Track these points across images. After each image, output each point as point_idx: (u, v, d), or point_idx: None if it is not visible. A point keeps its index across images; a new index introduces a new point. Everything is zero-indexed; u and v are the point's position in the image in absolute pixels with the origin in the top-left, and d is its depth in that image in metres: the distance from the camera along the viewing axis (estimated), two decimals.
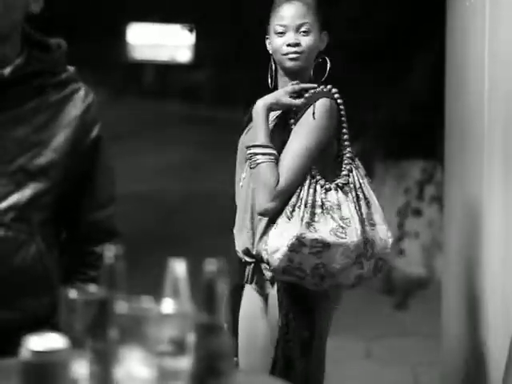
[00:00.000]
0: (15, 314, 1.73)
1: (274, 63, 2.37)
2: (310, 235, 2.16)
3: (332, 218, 2.19)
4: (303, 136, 2.23)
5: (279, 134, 2.28)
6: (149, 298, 1.22)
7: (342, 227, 2.19)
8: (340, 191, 2.24)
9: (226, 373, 1.17)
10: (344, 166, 2.29)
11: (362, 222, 2.22)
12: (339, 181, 2.26)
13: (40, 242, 1.74)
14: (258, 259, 2.31)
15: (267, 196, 2.20)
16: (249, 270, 2.35)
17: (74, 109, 1.79)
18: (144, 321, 1.20)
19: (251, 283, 2.36)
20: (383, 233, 2.27)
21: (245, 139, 2.40)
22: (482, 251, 2.74)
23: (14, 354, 1.16)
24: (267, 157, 2.21)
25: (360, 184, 2.28)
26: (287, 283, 2.24)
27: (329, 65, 2.34)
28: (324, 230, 2.17)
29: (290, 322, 2.22)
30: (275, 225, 2.20)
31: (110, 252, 1.21)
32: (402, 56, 6.00)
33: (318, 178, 2.24)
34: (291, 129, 2.27)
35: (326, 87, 2.31)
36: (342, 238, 2.18)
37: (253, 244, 2.31)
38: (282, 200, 2.21)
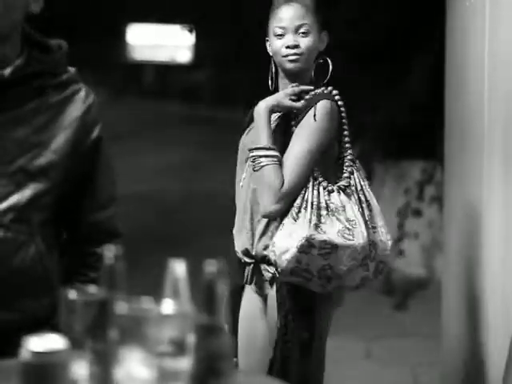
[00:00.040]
0: (15, 315, 1.73)
1: (275, 65, 2.37)
2: (319, 236, 2.16)
3: (338, 219, 2.20)
4: (305, 138, 2.23)
5: (280, 136, 2.28)
6: (149, 298, 1.22)
7: (349, 229, 2.19)
8: (342, 193, 2.24)
9: (226, 373, 1.17)
10: (345, 168, 2.30)
11: (366, 223, 2.23)
12: (341, 183, 2.26)
13: (40, 243, 1.74)
14: (258, 260, 2.31)
15: (272, 198, 2.20)
16: (248, 270, 2.35)
17: (75, 110, 1.79)
18: (144, 321, 1.20)
19: (250, 284, 2.36)
20: (383, 235, 2.28)
21: (246, 140, 2.40)
22: (481, 251, 2.74)
23: (13, 354, 1.16)
24: (271, 159, 2.21)
25: (361, 186, 2.28)
26: (290, 284, 2.23)
27: (330, 66, 2.34)
28: (331, 231, 2.18)
29: (289, 324, 2.22)
30: (281, 226, 2.20)
31: (109, 252, 1.21)
32: (402, 57, 6.00)
33: (321, 179, 2.24)
34: (292, 131, 2.27)
35: (326, 89, 2.31)
36: (349, 239, 2.18)
37: (252, 244, 2.31)
38: (287, 202, 2.21)
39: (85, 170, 1.81)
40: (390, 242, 2.29)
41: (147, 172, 10.06)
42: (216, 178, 7.86)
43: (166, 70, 21.08)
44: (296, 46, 2.29)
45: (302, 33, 2.30)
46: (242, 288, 2.40)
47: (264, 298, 2.35)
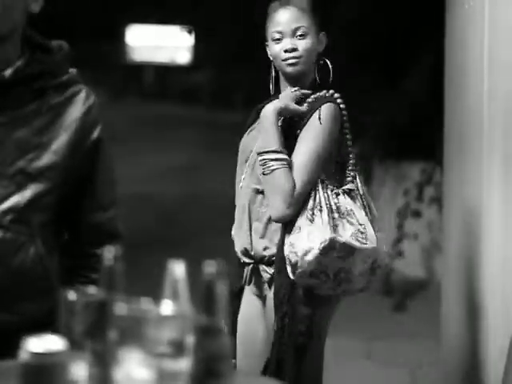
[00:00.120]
0: (14, 316, 1.72)
1: (275, 69, 2.37)
2: (340, 239, 2.16)
3: (349, 222, 2.20)
4: (311, 140, 2.23)
5: (284, 139, 2.28)
6: (148, 299, 1.22)
7: (362, 232, 2.20)
8: (348, 196, 2.25)
9: (225, 374, 1.17)
10: (348, 171, 2.31)
11: (373, 227, 2.24)
12: (346, 186, 2.27)
13: (40, 244, 1.74)
14: (257, 260, 2.31)
15: (284, 202, 2.19)
16: (247, 270, 2.35)
17: (75, 111, 1.79)
18: (143, 322, 1.20)
19: (249, 285, 2.36)
20: (381, 241, 2.29)
21: (246, 141, 2.40)
22: (481, 252, 2.74)
23: (13, 356, 1.16)
24: (281, 162, 2.21)
25: (363, 190, 2.30)
26: (288, 286, 2.23)
27: (330, 67, 2.34)
28: (345, 234, 2.18)
29: (286, 326, 2.22)
30: (296, 228, 2.19)
31: (109, 253, 1.21)
32: (402, 57, 6.00)
33: (327, 182, 2.24)
34: (297, 134, 2.27)
35: (327, 92, 2.31)
36: (363, 243, 2.19)
37: (251, 244, 2.31)
38: (299, 205, 2.20)
39: (85, 170, 1.81)
40: (386, 248, 2.30)
41: (146, 173, 10.06)
42: (215, 179, 7.87)
43: (165, 71, 21.10)
44: (294, 50, 2.29)
45: (300, 35, 2.30)
46: (242, 289, 2.40)
47: (263, 299, 2.35)
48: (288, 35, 2.30)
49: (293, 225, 2.20)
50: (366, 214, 2.25)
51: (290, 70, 2.31)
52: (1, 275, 1.69)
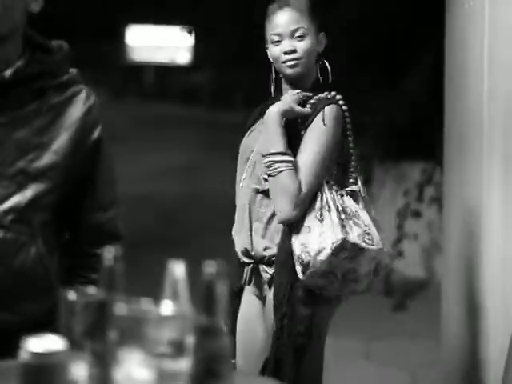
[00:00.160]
0: (15, 316, 1.72)
1: (275, 71, 2.37)
2: (351, 239, 2.17)
3: (355, 223, 2.21)
4: (315, 142, 2.23)
5: (287, 140, 2.28)
6: (148, 299, 1.22)
7: (368, 233, 2.21)
8: (351, 198, 2.25)
9: (225, 375, 1.17)
10: (350, 173, 2.31)
11: (376, 229, 2.24)
12: (349, 188, 2.28)
13: (40, 244, 1.74)
14: (257, 260, 2.31)
15: (290, 204, 2.19)
16: (247, 271, 2.35)
17: (76, 111, 1.79)
18: (143, 322, 1.20)
19: (249, 285, 2.36)
20: (383, 242, 2.29)
21: (247, 141, 2.40)
22: (481, 252, 2.74)
23: (13, 356, 1.16)
24: (286, 164, 2.20)
25: (364, 192, 2.31)
26: (288, 288, 2.23)
27: (329, 68, 2.34)
28: (353, 235, 2.19)
29: (285, 327, 2.22)
30: (305, 228, 2.19)
31: (109, 253, 1.21)
32: (402, 57, 6.00)
33: (331, 183, 2.25)
34: (300, 135, 2.26)
35: (329, 93, 2.31)
36: (369, 244, 2.20)
37: (251, 244, 2.31)
38: (305, 206, 2.21)
39: (85, 170, 1.81)
40: (386, 249, 2.31)
41: (147, 173, 10.06)
42: (215, 179, 7.87)
43: (165, 72, 21.09)
44: (293, 51, 2.29)
45: (298, 36, 2.30)
46: (241, 289, 2.40)
47: (263, 299, 2.34)
48: (287, 37, 2.30)
49: (300, 225, 2.20)
50: (370, 216, 2.26)
51: (289, 71, 2.31)
52: (2, 275, 1.69)
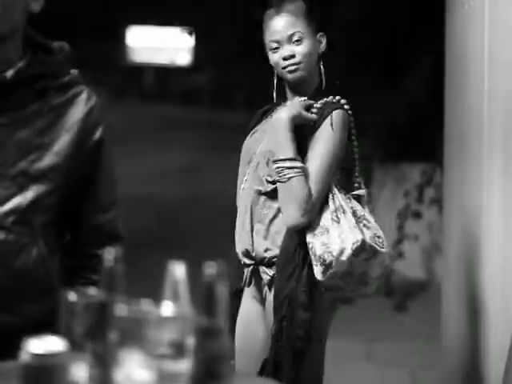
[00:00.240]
0: (16, 318, 1.72)
1: (277, 77, 2.37)
2: (368, 241, 2.17)
3: (365, 226, 2.22)
4: (324, 147, 2.23)
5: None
6: (148, 300, 1.22)
7: (378, 236, 2.22)
8: (357, 202, 2.26)
9: (226, 376, 1.17)
10: (354, 177, 2.32)
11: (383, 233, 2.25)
12: (355, 192, 2.29)
13: (42, 245, 1.74)
14: (257, 261, 2.31)
15: (300, 210, 2.19)
16: (247, 272, 2.35)
17: (77, 111, 1.79)
18: (144, 323, 1.20)
19: (249, 286, 2.36)
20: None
21: (249, 143, 2.40)
22: (481, 252, 2.74)
23: (14, 357, 1.16)
24: (297, 170, 2.21)
25: (366, 198, 2.32)
26: (288, 289, 2.22)
27: (323, 71, 2.35)
28: (367, 237, 2.19)
29: (284, 330, 2.22)
30: (322, 229, 2.19)
31: (109, 254, 1.21)
32: (402, 57, 6.00)
33: (339, 187, 2.25)
34: (307, 140, 2.26)
35: (334, 98, 2.31)
36: (381, 247, 2.21)
37: (252, 246, 2.31)
38: (314, 212, 2.21)
39: (86, 171, 1.81)
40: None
41: (147, 174, 10.06)
42: (216, 180, 7.87)
43: (165, 73, 21.11)
44: (292, 56, 2.29)
45: (296, 41, 2.30)
46: (241, 291, 2.40)
47: (263, 301, 2.34)
48: (285, 42, 2.30)
49: (316, 226, 2.20)
50: (375, 220, 2.27)
51: (290, 77, 2.31)
52: (3, 276, 1.69)
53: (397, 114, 5.91)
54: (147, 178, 9.82)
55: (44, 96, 1.75)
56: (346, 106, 2.29)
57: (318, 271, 2.19)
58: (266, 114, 2.46)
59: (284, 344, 2.21)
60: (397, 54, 6.06)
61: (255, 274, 2.33)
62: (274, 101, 2.41)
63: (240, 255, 2.36)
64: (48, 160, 1.74)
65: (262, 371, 2.25)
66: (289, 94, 2.38)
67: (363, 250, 2.17)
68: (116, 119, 12.18)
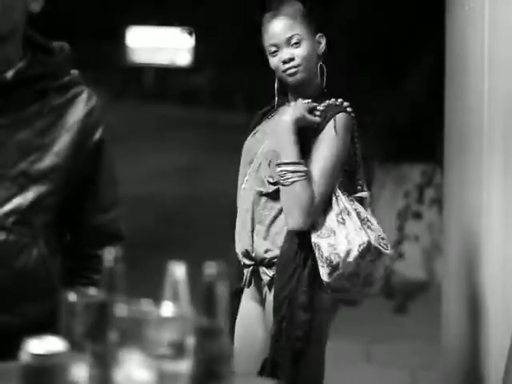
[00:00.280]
0: (16, 318, 1.72)
1: (278, 80, 2.37)
2: (373, 242, 2.18)
3: (369, 228, 2.22)
4: (327, 150, 2.24)
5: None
6: (148, 300, 1.22)
7: (382, 238, 2.22)
8: (360, 204, 2.27)
9: (226, 376, 1.17)
10: (357, 180, 2.33)
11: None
12: (358, 194, 2.30)
13: (42, 246, 1.74)
14: (257, 262, 2.31)
15: (303, 214, 2.19)
16: (247, 272, 2.35)
17: (77, 112, 1.78)
18: (144, 324, 1.20)
19: (249, 287, 2.36)
20: None
21: (250, 143, 2.40)
22: (481, 253, 2.74)
23: (14, 357, 1.16)
24: (300, 174, 2.21)
25: (369, 200, 2.33)
26: (288, 290, 2.22)
27: (324, 73, 2.35)
28: (371, 239, 2.20)
29: (283, 330, 2.21)
30: (328, 231, 2.19)
31: (109, 255, 1.21)
32: (402, 57, 6.00)
33: (342, 189, 2.25)
34: (310, 143, 2.26)
35: (336, 100, 2.31)
36: (385, 248, 2.22)
37: (252, 246, 2.31)
38: (318, 214, 2.21)
39: (87, 172, 1.81)
40: None
41: (147, 174, 10.06)
42: (216, 180, 7.87)
43: (165, 73, 21.08)
44: (291, 59, 2.29)
45: (295, 43, 2.30)
46: (241, 291, 2.40)
47: (262, 301, 2.34)
48: (283, 45, 2.30)
49: (321, 228, 2.21)
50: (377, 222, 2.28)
51: (291, 80, 2.31)
52: (3, 277, 1.69)
53: (397, 114, 5.91)
54: (147, 178, 9.82)
55: (44, 96, 1.75)
56: (348, 109, 2.30)
57: (324, 272, 2.19)
58: (266, 114, 2.46)
59: (283, 344, 2.21)
60: (397, 54, 6.06)
61: (255, 274, 2.33)
62: (276, 103, 2.42)
63: (240, 256, 2.35)
64: (48, 160, 1.73)
65: (262, 371, 2.25)
66: (290, 95, 2.38)
67: (369, 252, 2.18)
68: (116, 119, 12.17)
